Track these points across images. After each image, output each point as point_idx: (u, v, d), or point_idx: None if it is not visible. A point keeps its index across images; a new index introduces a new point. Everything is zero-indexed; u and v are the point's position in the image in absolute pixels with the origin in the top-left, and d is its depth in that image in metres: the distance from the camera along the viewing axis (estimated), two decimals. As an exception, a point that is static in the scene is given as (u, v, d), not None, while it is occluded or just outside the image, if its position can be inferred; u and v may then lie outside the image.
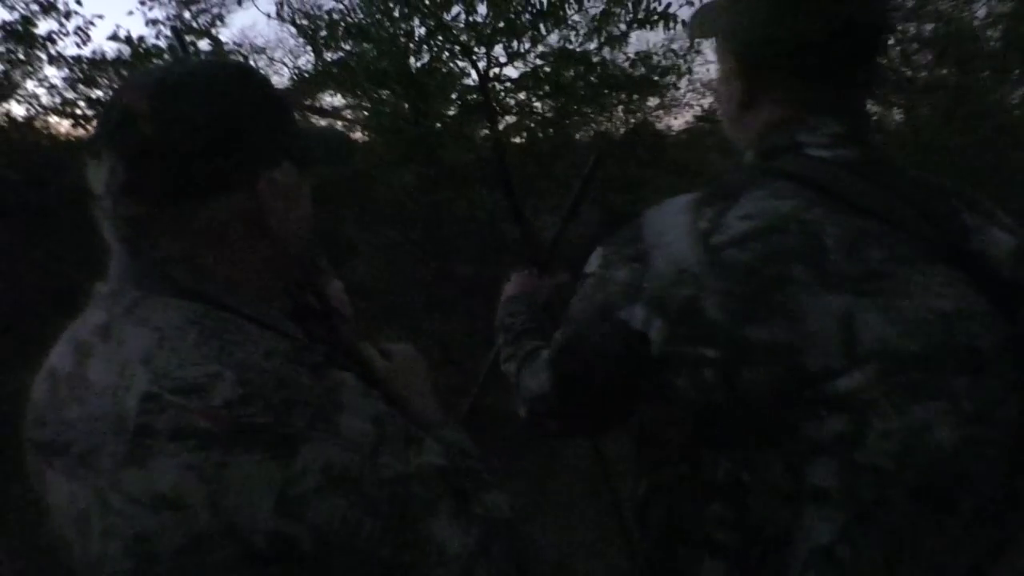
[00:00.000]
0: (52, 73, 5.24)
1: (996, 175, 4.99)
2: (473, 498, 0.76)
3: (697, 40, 5.50)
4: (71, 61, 5.12)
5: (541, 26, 4.89)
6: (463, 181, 5.13)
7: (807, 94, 0.87)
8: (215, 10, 9.17)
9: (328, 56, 5.46)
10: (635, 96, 5.97)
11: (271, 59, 10.84)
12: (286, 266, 0.82)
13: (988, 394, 0.78)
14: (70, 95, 5.23)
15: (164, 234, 0.74)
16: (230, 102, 0.75)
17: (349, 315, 1.01)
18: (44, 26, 5.05)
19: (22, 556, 2.96)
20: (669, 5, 4.72)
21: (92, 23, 5.18)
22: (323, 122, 9.25)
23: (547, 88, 5.34)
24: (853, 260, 0.77)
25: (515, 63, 5.36)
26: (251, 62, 10.57)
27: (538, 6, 4.76)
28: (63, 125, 5.53)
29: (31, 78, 5.26)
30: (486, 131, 5.33)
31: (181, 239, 0.74)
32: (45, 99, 5.32)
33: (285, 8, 5.61)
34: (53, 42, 5.07)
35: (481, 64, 5.19)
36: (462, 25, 5.01)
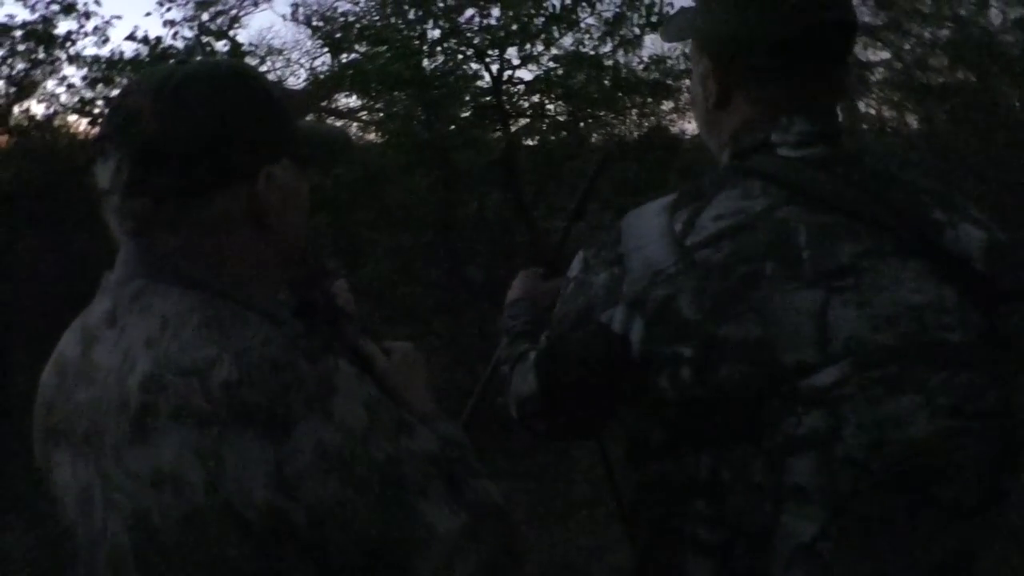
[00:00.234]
0: (71, 73, 5.28)
1: (1012, 180, 4.96)
2: (463, 484, 0.79)
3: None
4: (90, 61, 5.18)
5: (554, 29, 4.92)
6: (475, 184, 5.14)
7: (779, 94, 0.88)
8: (232, 12, 9.25)
9: (343, 58, 5.50)
10: (648, 100, 5.96)
11: (288, 60, 10.92)
12: (285, 259, 0.85)
13: (963, 388, 0.79)
14: (89, 94, 5.29)
15: (168, 227, 0.77)
16: (229, 101, 0.79)
17: (353, 313, 1.04)
18: (64, 26, 5.12)
19: (35, 548, 3.00)
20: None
21: (111, 23, 5.25)
22: (339, 123, 9.30)
23: (560, 91, 5.36)
24: (824, 256, 0.78)
25: (528, 66, 5.39)
26: (268, 63, 10.64)
27: (551, 9, 4.78)
28: (82, 124, 5.61)
29: (51, 77, 5.33)
30: (498, 134, 5.36)
31: (184, 232, 0.78)
32: (64, 98, 5.39)
33: (300, 10, 5.66)
34: (72, 42, 5.13)
35: (494, 67, 5.22)
36: (476, 28, 5.05)
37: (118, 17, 5.39)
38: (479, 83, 5.31)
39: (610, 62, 5.24)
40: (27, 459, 0.84)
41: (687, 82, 6.10)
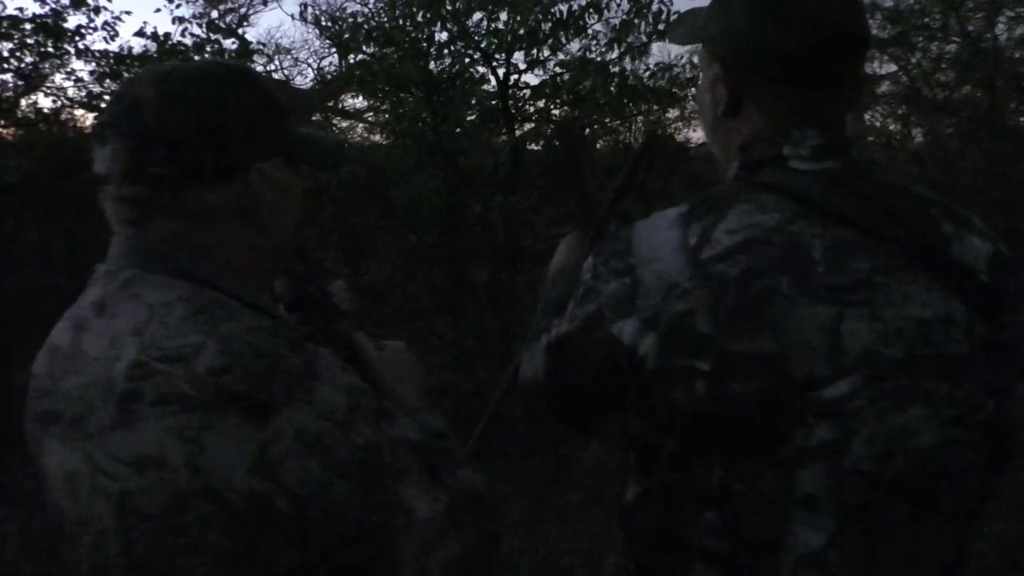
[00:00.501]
0: (79, 67, 5.30)
1: (1017, 194, 4.96)
2: (445, 473, 0.80)
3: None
4: (98, 55, 5.21)
5: (562, 35, 4.93)
6: (480, 186, 5.16)
7: (791, 105, 0.88)
8: (241, 10, 9.30)
9: (351, 58, 5.53)
10: (655, 107, 5.98)
11: (295, 60, 10.98)
12: (274, 254, 0.87)
13: (966, 398, 0.80)
14: (96, 88, 5.31)
15: (161, 216, 0.79)
16: (228, 97, 0.81)
17: (348, 310, 1.06)
18: (74, 20, 5.15)
19: (34, 538, 3.01)
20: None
21: (120, 19, 5.27)
22: (345, 123, 9.33)
23: (566, 96, 5.37)
24: (837, 271, 0.79)
25: (535, 71, 5.41)
26: (276, 62, 10.69)
27: (559, 15, 4.80)
28: (88, 118, 5.63)
29: (59, 71, 5.36)
30: (504, 137, 5.38)
31: (177, 222, 0.79)
32: (72, 92, 5.41)
33: (309, 10, 5.68)
34: (82, 36, 5.16)
35: (501, 71, 5.24)
36: (483, 32, 5.06)
37: (128, 13, 5.46)
38: (486, 87, 5.35)
39: (616, 68, 5.26)
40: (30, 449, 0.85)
41: (693, 90, 6.12)
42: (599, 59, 5.23)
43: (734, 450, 0.81)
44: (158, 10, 9.18)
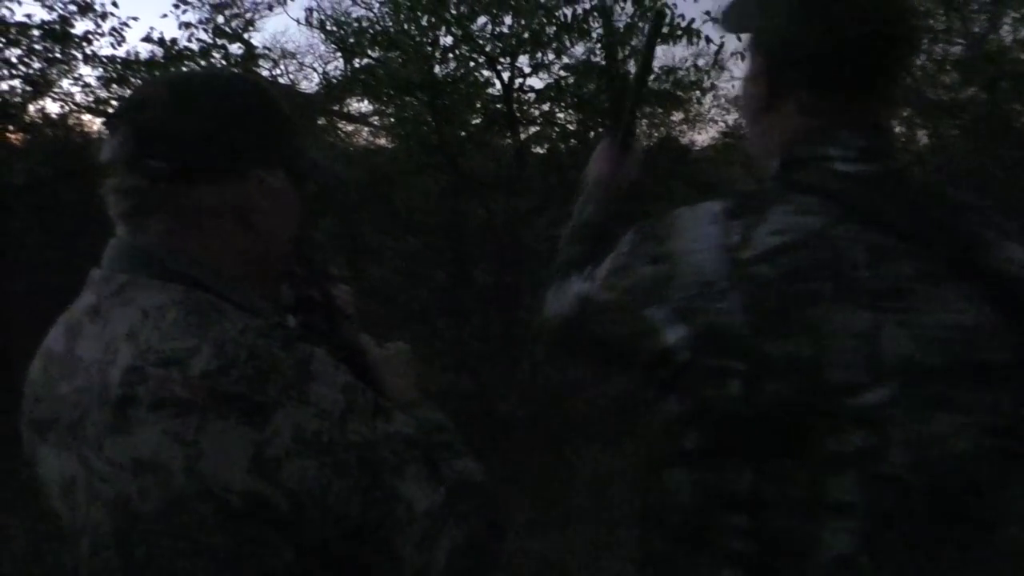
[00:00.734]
0: (87, 72, 5.33)
1: (1021, 197, 4.94)
2: (443, 464, 0.82)
3: (721, 56, 5.51)
4: (106, 61, 5.23)
5: (566, 38, 4.94)
6: (484, 189, 5.17)
7: (831, 104, 0.87)
8: (247, 15, 9.32)
9: (356, 62, 5.54)
10: (659, 110, 5.98)
11: (301, 64, 11.00)
12: (265, 260, 0.88)
13: (1001, 406, 0.80)
14: (103, 94, 5.33)
15: (158, 212, 0.81)
16: (238, 103, 0.84)
17: (351, 314, 1.07)
18: (81, 26, 5.16)
19: (38, 541, 3.03)
20: (692, 21, 4.75)
21: (127, 24, 5.29)
22: (350, 127, 9.33)
23: (570, 99, 5.38)
24: (878, 277, 0.79)
25: (539, 74, 5.42)
26: (281, 66, 10.70)
27: (563, 19, 4.80)
28: (95, 123, 5.66)
29: (67, 76, 5.38)
30: (508, 141, 5.38)
31: (172, 219, 0.81)
32: (79, 97, 5.44)
33: (314, 15, 5.70)
34: (89, 42, 5.17)
35: (505, 74, 5.25)
36: (488, 36, 5.07)
37: (135, 18, 5.47)
38: (490, 90, 5.34)
39: (621, 72, 5.25)
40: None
41: (697, 93, 6.12)
42: (603, 62, 5.23)
43: (766, 452, 0.81)
44: (165, 15, 9.25)
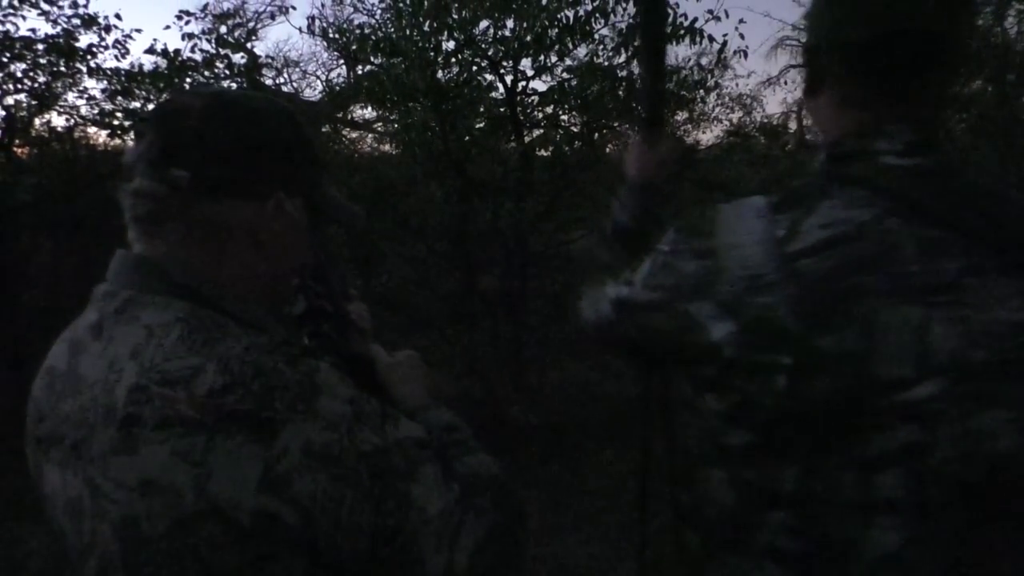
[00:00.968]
0: (91, 85, 5.36)
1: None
2: (456, 462, 0.82)
3: (725, 55, 5.49)
4: (110, 73, 5.26)
5: (568, 40, 4.93)
6: (490, 193, 5.16)
7: (880, 99, 0.87)
8: (250, 24, 9.36)
9: (359, 70, 5.55)
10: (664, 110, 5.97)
11: (304, 72, 11.05)
12: (271, 282, 0.88)
13: None
14: (108, 106, 5.36)
15: (174, 220, 0.81)
16: (271, 128, 0.84)
17: (366, 327, 1.07)
18: (85, 39, 5.20)
19: (52, 556, 3.03)
20: (695, 20, 4.74)
21: (130, 37, 5.32)
22: (354, 134, 9.35)
23: (574, 102, 5.37)
24: (928, 271, 0.78)
25: (542, 77, 5.42)
26: (285, 75, 10.74)
27: (565, 21, 4.80)
28: (101, 135, 5.69)
29: (71, 90, 5.41)
30: (513, 144, 5.38)
31: (187, 230, 0.81)
32: (84, 110, 5.47)
33: (317, 23, 5.72)
34: (93, 55, 5.21)
35: (509, 78, 5.25)
36: (490, 40, 5.07)
37: (138, 31, 5.49)
38: (494, 94, 5.34)
39: (624, 73, 5.25)
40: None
41: (701, 92, 6.11)
42: (606, 64, 5.22)
43: (813, 449, 0.80)
44: (168, 27, 9.28)
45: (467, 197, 5.08)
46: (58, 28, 5.06)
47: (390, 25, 5.31)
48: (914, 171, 0.83)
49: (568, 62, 5.33)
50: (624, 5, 4.85)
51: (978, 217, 0.81)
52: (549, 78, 5.43)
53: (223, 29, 6.26)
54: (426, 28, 4.92)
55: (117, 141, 5.43)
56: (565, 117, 5.72)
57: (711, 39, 5.13)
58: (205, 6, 6.22)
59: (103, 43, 5.22)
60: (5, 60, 4.92)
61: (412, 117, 5.31)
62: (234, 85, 5.70)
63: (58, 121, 5.56)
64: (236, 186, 0.81)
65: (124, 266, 0.82)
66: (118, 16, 5.36)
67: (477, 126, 5.38)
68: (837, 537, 0.80)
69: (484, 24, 5.06)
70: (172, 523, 0.69)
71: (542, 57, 5.13)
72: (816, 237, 0.80)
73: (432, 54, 4.95)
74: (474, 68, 5.18)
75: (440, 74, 5.06)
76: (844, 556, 0.80)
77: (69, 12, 5.08)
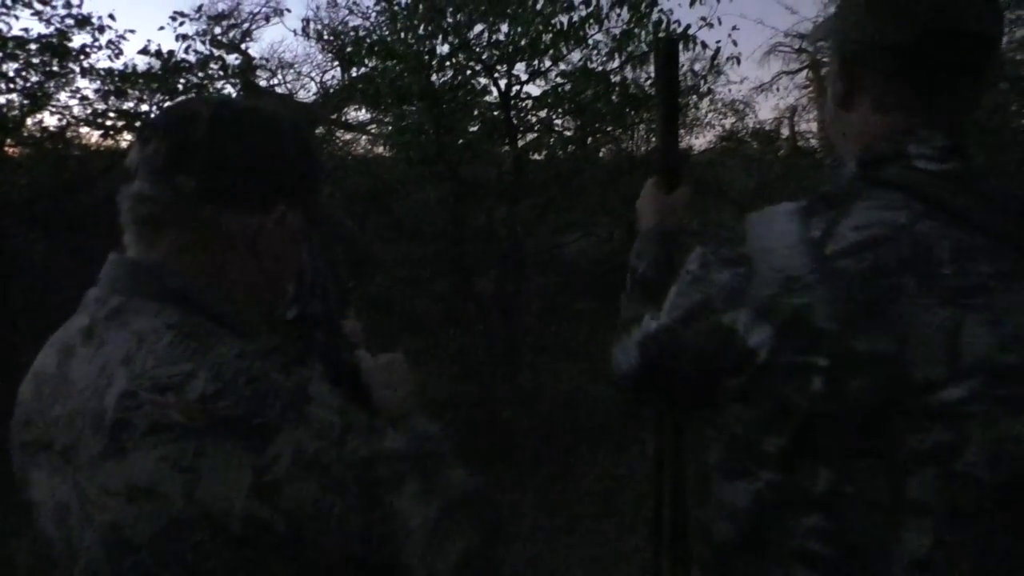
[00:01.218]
0: (84, 85, 5.33)
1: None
2: (435, 474, 0.81)
3: (718, 61, 5.51)
4: (103, 73, 5.23)
5: (563, 45, 4.95)
6: (483, 196, 5.17)
7: (906, 102, 0.87)
8: (244, 26, 9.35)
9: (353, 72, 5.55)
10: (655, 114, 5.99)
11: (298, 74, 11.04)
12: (265, 291, 0.89)
13: None
14: (101, 107, 5.34)
15: (174, 226, 0.81)
16: (279, 140, 0.85)
17: (357, 341, 1.08)
18: (78, 39, 5.17)
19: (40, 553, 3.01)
20: (689, 27, 4.77)
21: (124, 37, 5.30)
22: (348, 136, 9.35)
23: (568, 106, 5.38)
24: (961, 274, 0.79)
25: (536, 81, 5.43)
26: (279, 76, 10.73)
27: (560, 26, 4.81)
28: (93, 136, 5.66)
29: (64, 89, 5.39)
30: (507, 148, 5.38)
31: (186, 237, 0.81)
32: (77, 110, 5.44)
33: (311, 25, 5.71)
34: (86, 55, 5.18)
35: (503, 82, 5.25)
36: (485, 44, 5.08)
37: (132, 31, 5.49)
38: (488, 98, 5.35)
39: (618, 78, 5.26)
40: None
41: (694, 98, 6.13)
42: (600, 69, 5.24)
43: (846, 451, 0.80)
44: (162, 28, 9.24)
45: (461, 200, 5.09)
46: (51, 28, 5.04)
47: (385, 28, 5.31)
48: (947, 176, 0.84)
49: (562, 67, 5.35)
50: (618, 11, 4.87)
51: (1009, 223, 0.82)
52: (543, 82, 5.45)
53: (217, 30, 6.25)
54: (421, 31, 4.92)
55: (110, 142, 5.41)
56: (559, 121, 5.74)
57: (704, 45, 5.16)
58: (200, 7, 6.21)
59: (96, 43, 5.20)
60: (-2, 59, 4.90)
61: (406, 120, 5.31)
62: (228, 86, 5.69)
63: (50, 121, 5.55)
64: (240, 196, 0.81)
65: (117, 271, 0.81)
66: (112, 16, 5.34)
67: (471, 129, 5.39)
68: (868, 540, 0.81)
69: (479, 28, 5.07)
70: (159, 529, 0.68)
71: (536, 61, 5.15)
72: (852, 238, 0.80)
73: (427, 57, 4.96)
74: (468, 72, 5.19)
75: (434, 77, 5.06)
76: (875, 560, 0.81)
77: (63, 12, 5.06)
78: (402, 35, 4.99)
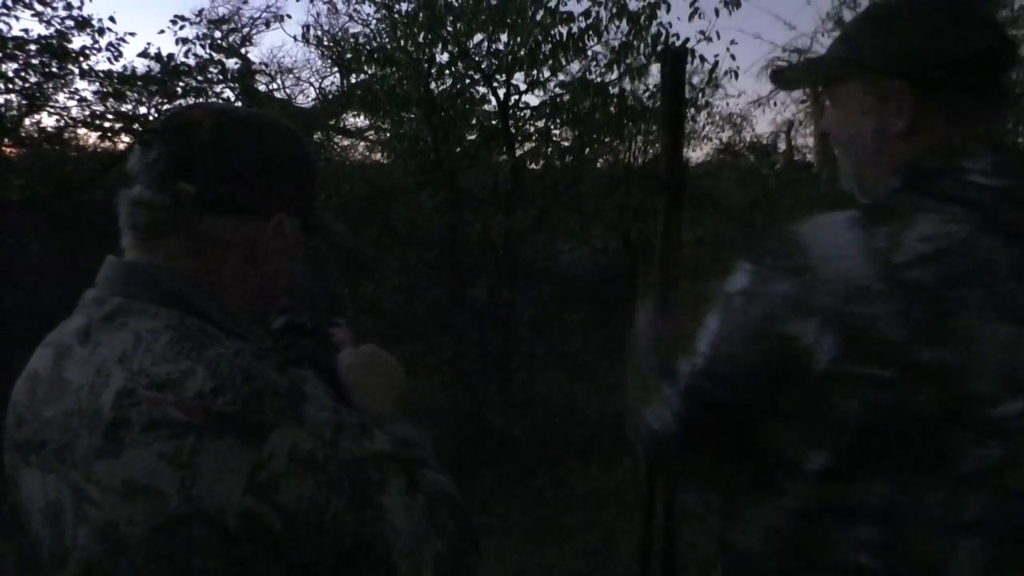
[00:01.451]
0: (83, 87, 5.32)
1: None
2: (417, 475, 0.83)
3: (716, 74, 5.53)
4: (102, 76, 5.24)
5: (562, 56, 4.97)
6: (480, 205, 5.18)
7: (964, 119, 0.88)
8: (244, 31, 9.36)
9: (352, 78, 5.56)
10: (654, 127, 6.01)
11: (297, 79, 11.05)
12: (262, 296, 0.89)
13: None
14: (99, 109, 5.34)
15: (173, 232, 0.81)
16: (280, 148, 0.86)
17: (339, 345, 1.09)
18: (78, 41, 5.18)
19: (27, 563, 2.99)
20: (687, 40, 4.79)
21: (124, 40, 5.30)
22: (346, 142, 9.36)
23: (566, 116, 5.40)
24: (1020, 289, 0.79)
25: (535, 91, 5.45)
26: (278, 81, 10.75)
27: (559, 37, 4.84)
28: (91, 137, 5.66)
29: (63, 91, 5.39)
30: (504, 157, 5.40)
31: (185, 242, 0.82)
32: (75, 112, 5.44)
33: (311, 31, 5.73)
34: (86, 57, 5.18)
35: (501, 91, 5.27)
36: (484, 53, 5.10)
37: (132, 34, 5.44)
38: (486, 107, 5.36)
39: (616, 89, 5.29)
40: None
41: (692, 111, 6.16)
42: (599, 80, 5.26)
43: (901, 465, 0.80)
44: (162, 31, 9.26)
45: (457, 208, 5.10)
46: (51, 29, 5.05)
47: (385, 35, 5.33)
48: (1004, 192, 0.84)
49: (561, 77, 5.37)
50: (617, 24, 4.90)
51: None
52: (542, 92, 5.47)
53: (217, 35, 6.27)
54: (420, 39, 4.94)
55: (107, 144, 5.41)
56: (557, 131, 5.76)
57: (702, 59, 5.20)
58: (200, 11, 6.22)
59: (96, 45, 5.20)
60: (-3, 59, 4.90)
61: (404, 127, 5.33)
62: (228, 90, 5.70)
63: (48, 122, 5.54)
64: (240, 204, 0.82)
65: (115, 273, 0.82)
66: (112, 19, 5.34)
67: (469, 138, 5.41)
68: (921, 555, 0.80)
69: (478, 37, 5.10)
70: (155, 526, 0.69)
71: (535, 71, 5.17)
72: (920, 249, 0.80)
73: (426, 65, 4.98)
74: (467, 80, 5.21)
75: (433, 85, 5.08)
76: (931, 574, 0.80)
77: (63, 13, 5.07)
78: (402, 43, 5.01)
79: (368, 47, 5.20)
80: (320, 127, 8.29)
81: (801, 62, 1.09)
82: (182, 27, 5.52)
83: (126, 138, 5.30)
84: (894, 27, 0.90)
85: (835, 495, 0.83)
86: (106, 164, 5.32)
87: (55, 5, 5.03)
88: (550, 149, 5.60)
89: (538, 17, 4.83)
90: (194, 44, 5.50)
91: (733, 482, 0.94)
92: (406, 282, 5.32)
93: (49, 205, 5.05)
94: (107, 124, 5.32)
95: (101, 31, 5.19)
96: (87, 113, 5.38)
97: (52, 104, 5.36)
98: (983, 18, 0.86)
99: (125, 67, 5.32)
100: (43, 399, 0.78)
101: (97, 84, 5.26)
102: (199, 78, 5.42)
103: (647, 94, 5.52)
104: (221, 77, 5.59)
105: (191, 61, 5.43)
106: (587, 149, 5.73)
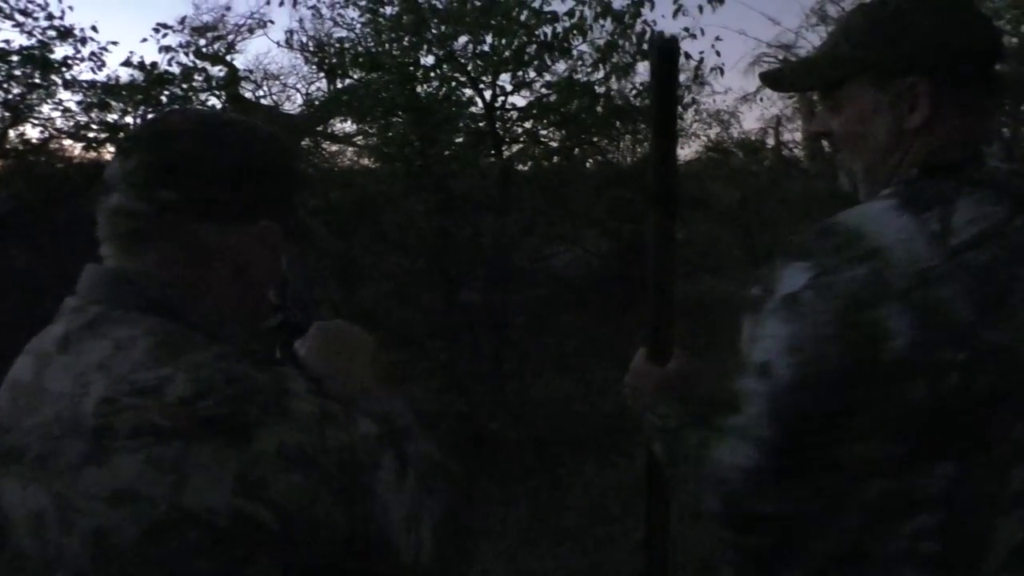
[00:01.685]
0: (67, 97, 5.29)
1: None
2: (406, 448, 0.83)
3: (702, 71, 5.55)
4: (86, 85, 5.20)
5: (547, 56, 4.98)
6: (470, 208, 5.18)
7: (977, 108, 0.90)
8: (229, 38, 9.34)
9: (338, 83, 5.55)
10: (641, 126, 6.02)
11: (284, 85, 11.02)
12: (244, 301, 0.89)
13: None
14: (84, 119, 5.31)
15: (155, 240, 0.81)
16: (262, 154, 0.86)
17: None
18: (60, 51, 5.14)
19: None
20: (674, 38, 4.79)
21: (107, 49, 5.27)
22: (334, 147, 9.34)
23: (554, 117, 5.41)
24: None
25: (522, 92, 5.46)
26: (264, 88, 10.72)
27: (544, 37, 4.84)
28: (76, 148, 5.62)
29: (47, 102, 5.35)
30: (492, 159, 5.40)
31: (168, 250, 0.81)
32: (60, 122, 5.40)
33: (295, 37, 5.72)
34: (69, 67, 5.15)
35: (488, 93, 5.27)
36: (469, 55, 5.10)
37: (115, 43, 5.39)
38: (473, 109, 5.37)
39: (603, 89, 5.30)
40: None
41: (679, 108, 6.16)
42: (585, 80, 5.27)
43: (969, 447, 0.81)
44: (144, 40, 9.20)
45: (448, 211, 5.09)
46: (33, 40, 5.01)
47: (370, 39, 5.32)
48: (1020, 175, 0.87)
49: (547, 77, 5.38)
50: (602, 23, 4.91)
51: None
52: (528, 93, 5.48)
53: (202, 42, 6.24)
54: (406, 43, 4.94)
55: (92, 154, 5.37)
56: (545, 132, 5.76)
57: (688, 56, 5.21)
58: (183, 19, 6.20)
59: (79, 55, 5.17)
60: (-21, 72, 4.87)
61: (392, 131, 5.32)
62: (213, 98, 5.68)
63: (32, 133, 5.50)
64: (223, 210, 0.82)
65: (96, 280, 0.82)
66: (94, 28, 5.29)
67: (457, 141, 5.40)
68: (976, 532, 0.82)
69: (463, 40, 5.10)
70: (145, 531, 0.69)
71: (521, 72, 5.18)
72: (970, 231, 0.81)
73: (411, 69, 4.97)
74: (453, 83, 5.20)
75: (420, 89, 5.08)
76: (978, 553, 0.82)
77: (44, 24, 5.04)
78: (387, 46, 5.01)
79: (353, 51, 5.19)
80: (308, 133, 8.27)
81: (799, 63, 1.10)
82: (165, 35, 5.50)
83: (111, 148, 5.27)
84: (912, 25, 0.91)
85: (895, 486, 0.83)
86: (92, 174, 5.28)
87: (36, 15, 5.00)
88: (538, 150, 5.60)
89: (523, 18, 4.83)
90: (177, 52, 5.48)
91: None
92: (399, 287, 5.31)
93: (35, 216, 5.01)
94: (92, 134, 5.28)
95: (83, 40, 5.16)
96: (71, 124, 5.34)
97: (36, 115, 5.33)
98: (982, 13, 0.91)
99: (109, 77, 5.29)
100: (24, 408, 0.77)
101: (81, 94, 5.23)
102: (184, 86, 5.39)
103: (634, 92, 5.53)
104: (206, 85, 5.56)
105: (175, 69, 5.40)
106: (576, 150, 5.74)
